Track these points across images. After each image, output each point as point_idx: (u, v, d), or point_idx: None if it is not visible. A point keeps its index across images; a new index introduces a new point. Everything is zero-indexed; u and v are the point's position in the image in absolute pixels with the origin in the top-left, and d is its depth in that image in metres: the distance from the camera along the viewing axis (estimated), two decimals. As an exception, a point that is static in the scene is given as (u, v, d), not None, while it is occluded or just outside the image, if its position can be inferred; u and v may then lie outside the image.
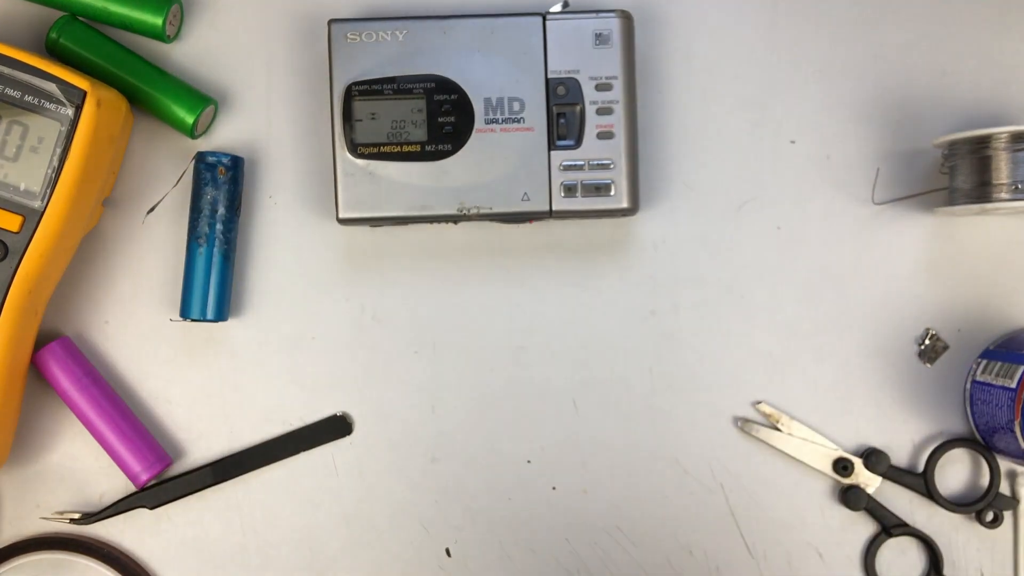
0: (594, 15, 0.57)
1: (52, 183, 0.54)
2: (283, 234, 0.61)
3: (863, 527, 0.61)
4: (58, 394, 0.59)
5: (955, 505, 0.60)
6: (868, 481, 0.60)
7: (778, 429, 0.60)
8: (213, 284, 0.58)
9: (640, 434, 0.61)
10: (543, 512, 0.61)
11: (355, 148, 0.57)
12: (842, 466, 0.60)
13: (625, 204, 0.57)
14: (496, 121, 0.57)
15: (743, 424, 0.60)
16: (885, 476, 0.60)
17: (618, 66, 0.57)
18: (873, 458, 0.60)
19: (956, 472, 0.61)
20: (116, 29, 0.59)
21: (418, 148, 0.57)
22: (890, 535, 0.60)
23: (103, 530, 0.60)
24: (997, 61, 0.61)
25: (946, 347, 0.61)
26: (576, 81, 0.57)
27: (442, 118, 0.57)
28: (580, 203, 0.57)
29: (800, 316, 0.61)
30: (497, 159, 0.57)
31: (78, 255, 0.60)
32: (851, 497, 0.60)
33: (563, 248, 0.61)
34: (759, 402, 0.61)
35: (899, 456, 0.61)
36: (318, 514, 0.60)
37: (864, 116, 0.61)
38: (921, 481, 0.60)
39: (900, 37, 0.61)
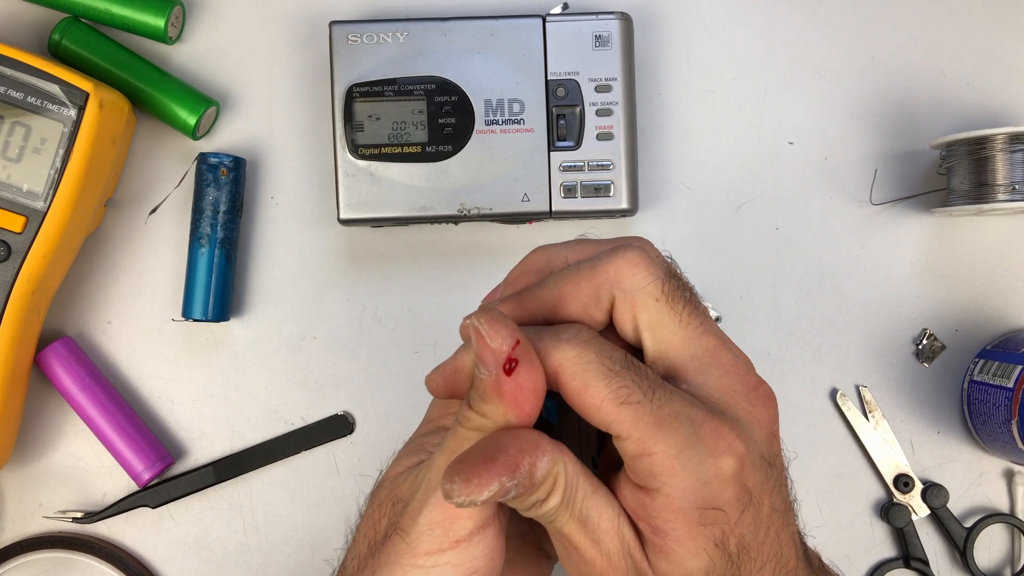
0: (594, 17, 0.57)
1: (55, 184, 0.54)
2: (284, 234, 0.61)
3: (884, 547, 0.61)
4: (60, 394, 0.59)
5: (982, 572, 0.60)
6: (917, 508, 0.60)
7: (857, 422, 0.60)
8: (215, 284, 0.58)
9: (639, 433, 0.61)
10: (543, 511, 0.61)
11: (356, 149, 0.57)
12: (903, 482, 0.60)
13: (625, 205, 0.58)
14: (496, 122, 0.57)
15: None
16: (935, 512, 0.60)
17: (617, 68, 0.57)
18: (933, 490, 0.60)
19: (996, 544, 0.61)
20: (118, 31, 0.59)
21: (419, 149, 0.57)
22: (907, 566, 0.60)
23: (105, 529, 0.60)
24: (995, 62, 0.61)
25: (943, 347, 0.61)
26: (576, 83, 0.57)
27: (442, 119, 0.57)
28: (580, 204, 0.58)
29: (798, 316, 0.61)
30: (497, 160, 0.57)
31: (81, 255, 0.60)
32: (894, 514, 0.60)
33: (563, 248, 0.61)
34: (837, 391, 0.61)
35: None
36: (319, 513, 0.61)
37: (862, 117, 0.61)
38: (962, 535, 0.60)
39: (898, 38, 0.62)
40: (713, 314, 0.60)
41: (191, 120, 0.58)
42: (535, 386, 0.35)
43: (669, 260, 0.37)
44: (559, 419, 0.38)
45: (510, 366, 0.34)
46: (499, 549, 0.38)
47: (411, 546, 0.36)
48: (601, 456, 0.38)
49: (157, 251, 0.61)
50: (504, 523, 0.39)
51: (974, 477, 0.61)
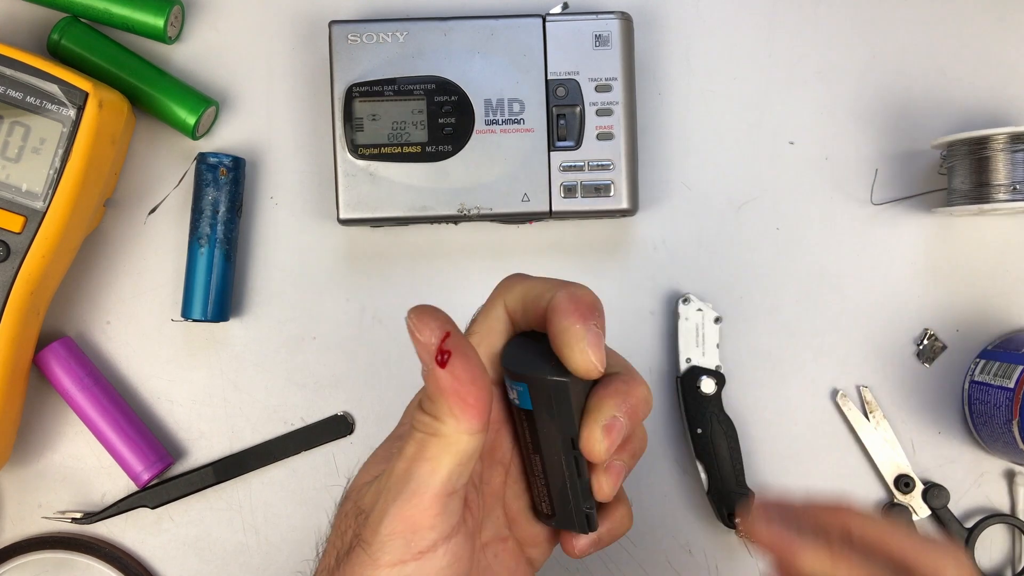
0: (594, 16, 0.57)
1: (54, 184, 0.54)
2: (284, 235, 0.61)
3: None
4: (60, 394, 0.59)
5: (983, 573, 0.60)
6: (918, 508, 0.60)
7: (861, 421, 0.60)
8: (214, 284, 0.58)
9: (640, 434, 0.61)
10: (543, 511, 0.61)
11: (356, 149, 0.57)
12: (904, 483, 0.60)
13: (625, 205, 0.58)
14: (496, 122, 0.57)
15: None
16: (935, 513, 0.60)
17: (618, 67, 0.57)
18: (934, 491, 0.60)
19: (997, 544, 0.61)
20: (118, 30, 0.59)
21: (418, 149, 0.57)
22: None
23: (105, 529, 0.60)
24: (996, 62, 0.61)
25: (944, 347, 0.61)
26: (576, 82, 0.57)
27: (442, 119, 0.57)
28: (580, 204, 0.58)
29: (799, 316, 0.61)
30: (497, 160, 0.57)
31: (80, 255, 0.60)
32: (895, 515, 0.59)
33: (563, 248, 0.61)
34: (837, 391, 0.61)
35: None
36: (319, 514, 0.61)
37: (863, 117, 0.61)
38: (963, 535, 0.59)
39: (899, 38, 0.61)
40: (713, 314, 0.60)
41: (190, 120, 0.58)
42: (472, 377, 0.34)
43: None
44: (533, 404, 0.38)
45: (443, 358, 0.34)
46: (465, 558, 0.37)
47: (373, 558, 0.36)
48: (580, 441, 0.38)
49: (156, 251, 0.61)
50: (472, 529, 0.38)
51: (975, 478, 0.61)
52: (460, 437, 0.35)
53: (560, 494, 0.40)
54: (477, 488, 0.40)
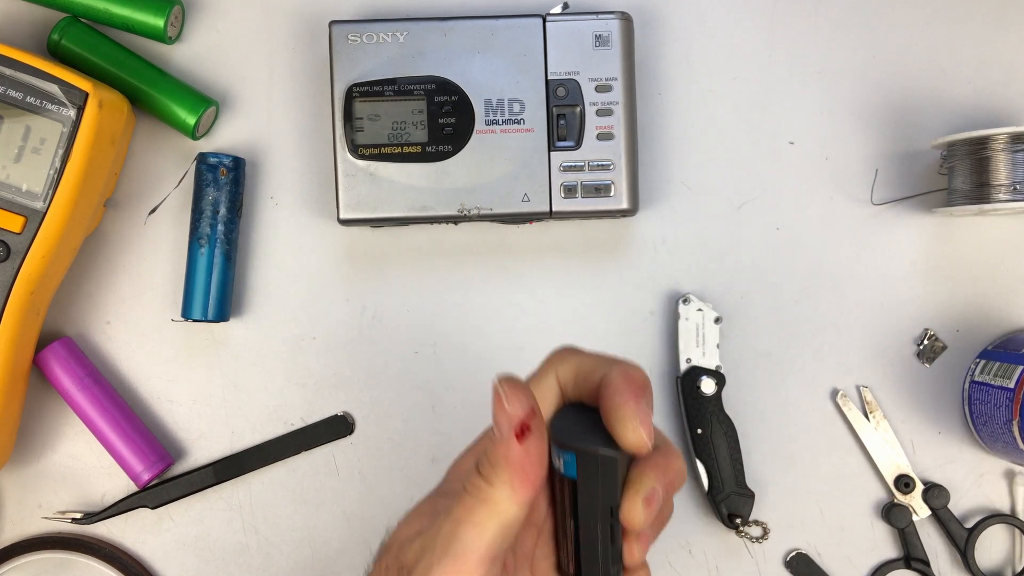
0: (594, 16, 0.57)
1: (54, 184, 0.54)
2: (284, 235, 0.61)
3: (885, 548, 0.61)
4: (60, 394, 0.59)
5: (983, 573, 0.60)
6: (918, 508, 0.60)
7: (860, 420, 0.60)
8: (214, 284, 0.58)
9: (640, 434, 0.61)
10: (543, 511, 0.61)
11: (356, 149, 0.57)
12: (904, 483, 0.60)
13: (625, 205, 0.58)
14: (496, 122, 0.57)
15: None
16: (936, 513, 0.60)
17: (618, 67, 0.57)
18: (934, 491, 0.60)
19: (997, 544, 0.61)
20: (118, 30, 0.59)
21: (419, 149, 0.57)
22: (908, 567, 0.60)
23: (105, 530, 0.60)
24: (996, 61, 0.61)
25: (944, 347, 0.61)
26: (576, 82, 0.57)
27: (443, 119, 0.57)
28: (580, 204, 0.58)
29: (798, 316, 0.61)
30: (497, 160, 0.57)
31: (80, 256, 0.60)
32: (895, 515, 0.60)
33: (563, 248, 0.61)
34: (837, 391, 0.61)
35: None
36: (319, 514, 0.61)
37: (863, 117, 0.61)
38: (963, 535, 0.60)
39: (899, 38, 0.61)
40: (713, 314, 0.60)
41: (191, 120, 0.58)
42: (541, 457, 0.36)
43: None
44: (578, 474, 0.39)
45: (521, 431, 0.36)
46: None
47: None
48: (621, 511, 0.39)
49: (156, 251, 0.61)
50: None
51: (975, 478, 0.61)
52: (509, 506, 0.37)
53: (589, 558, 0.41)
54: (513, 551, 0.41)
